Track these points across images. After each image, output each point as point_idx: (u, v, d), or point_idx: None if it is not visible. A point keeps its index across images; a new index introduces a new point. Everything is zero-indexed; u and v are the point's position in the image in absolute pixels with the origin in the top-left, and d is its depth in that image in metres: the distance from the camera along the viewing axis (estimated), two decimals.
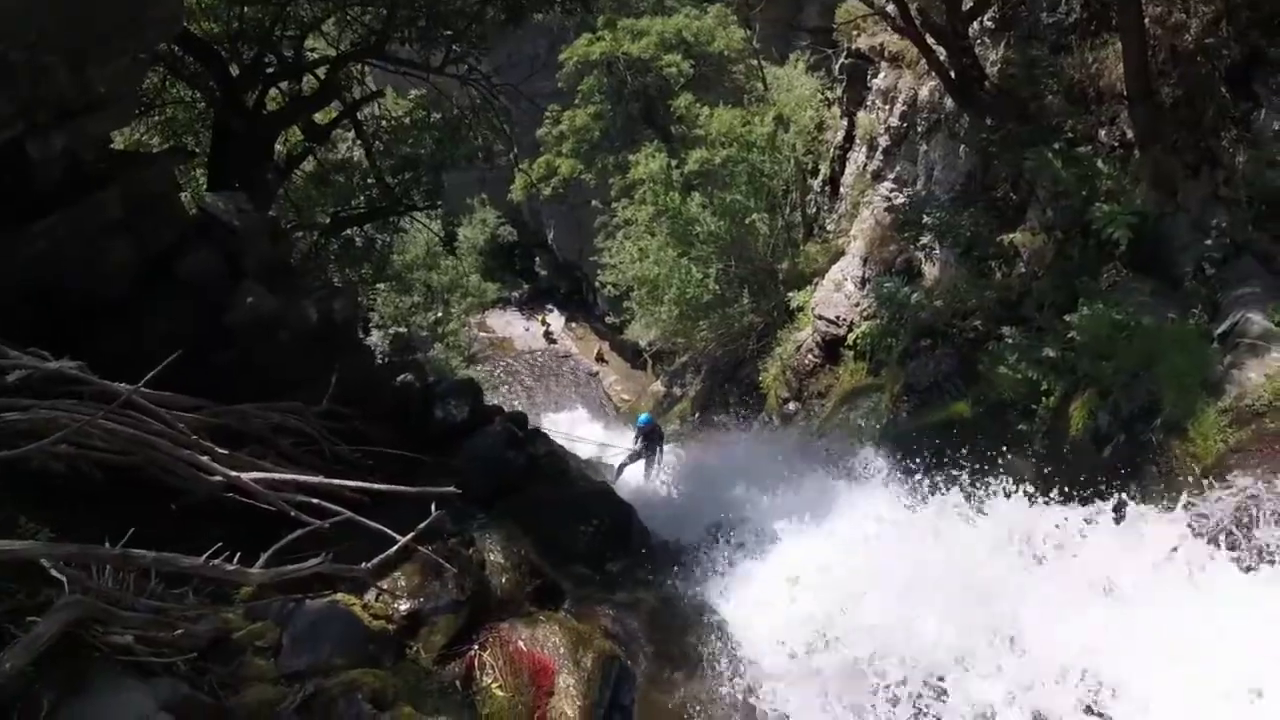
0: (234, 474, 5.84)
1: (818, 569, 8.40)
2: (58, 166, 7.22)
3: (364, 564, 5.85)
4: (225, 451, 6.22)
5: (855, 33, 19.54)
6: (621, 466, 16.46)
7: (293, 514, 5.83)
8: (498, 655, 6.22)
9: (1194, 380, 8.42)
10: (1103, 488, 8.05)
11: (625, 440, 18.42)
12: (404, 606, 6.28)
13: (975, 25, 14.12)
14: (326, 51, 15.14)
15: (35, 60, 6.53)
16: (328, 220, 16.70)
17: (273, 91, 13.92)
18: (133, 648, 4.50)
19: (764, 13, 28.44)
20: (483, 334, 41.53)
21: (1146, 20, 10.55)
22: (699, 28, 30.21)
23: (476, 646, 6.28)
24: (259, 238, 9.11)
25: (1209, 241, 9.88)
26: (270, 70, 13.34)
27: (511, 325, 44.70)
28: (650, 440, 16.42)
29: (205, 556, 4.80)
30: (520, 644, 6.41)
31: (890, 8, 14.20)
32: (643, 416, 17.92)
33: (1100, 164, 11.36)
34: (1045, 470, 9.48)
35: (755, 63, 28.49)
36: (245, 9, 12.33)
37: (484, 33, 14.23)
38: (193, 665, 4.78)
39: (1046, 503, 8.19)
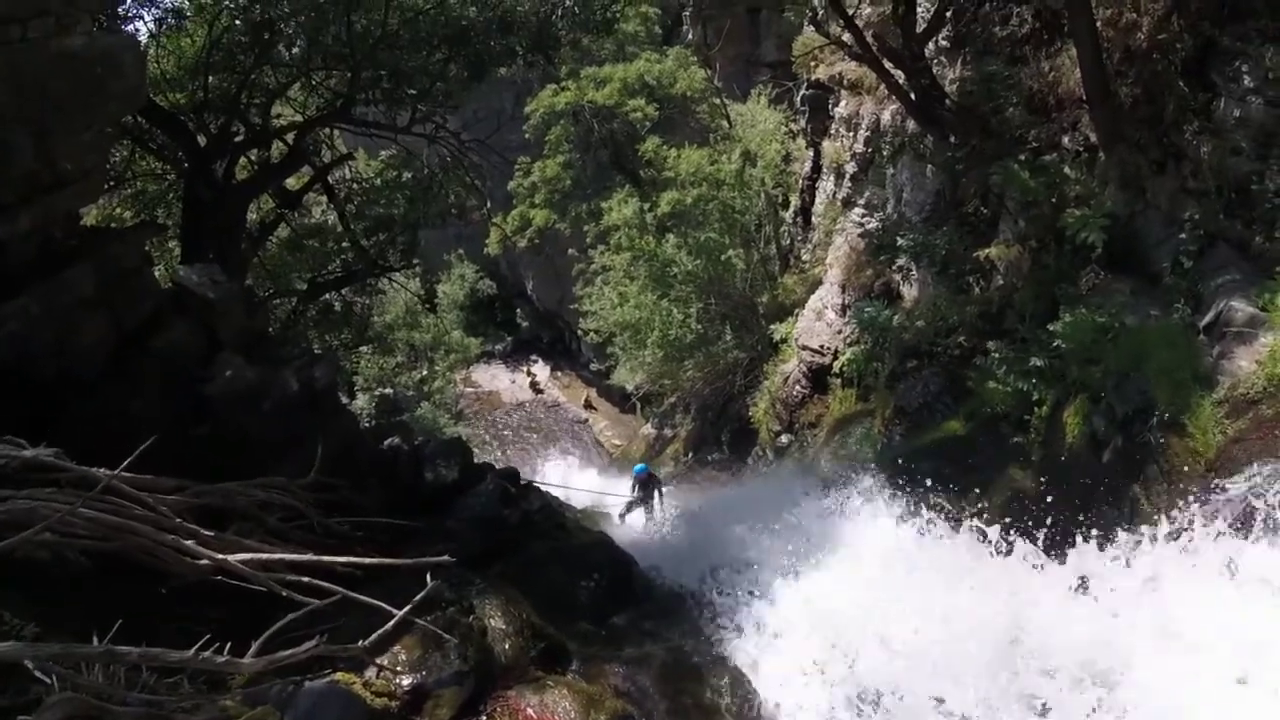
0: (220, 557, 5.67)
1: (828, 609, 8.26)
2: (28, 245, 7.13)
3: (361, 642, 5.66)
4: (211, 533, 6.05)
5: (814, 64, 19.76)
6: (622, 515, 16.25)
7: (284, 594, 5.65)
8: None
9: (1185, 375, 8.40)
10: (1106, 493, 7.96)
11: (620, 487, 18.24)
12: (406, 682, 6.07)
13: (931, 45, 14.27)
14: (294, 117, 15.14)
15: None
16: (304, 286, 16.56)
17: (242, 160, 13.87)
18: None
19: (723, 51, 28.90)
20: (469, 389, 41.40)
21: (1098, 23, 10.67)
22: (660, 71, 30.56)
23: (484, 717, 6.08)
24: (235, 308, 9.01)
25: (1183, 235, 9.91)
26: (238, 138, 13.29)
27: (497, 378, 44.59)
28: (647, 488, 16.31)
29: (195, 648, 4.63)
30: (530, 711, 6.21)
31: (846, 36, 14.35)
32: (638, 467, 17.63)
33: (1067, 170, 11.45)
34: (1044, 479, 9.37)
35: (718, 101, 28.83)
36: (210, 78, 12.30)
37: (449, 90, 14.24)
38: None
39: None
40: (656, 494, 16.28)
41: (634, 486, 16.47)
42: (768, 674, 7.98)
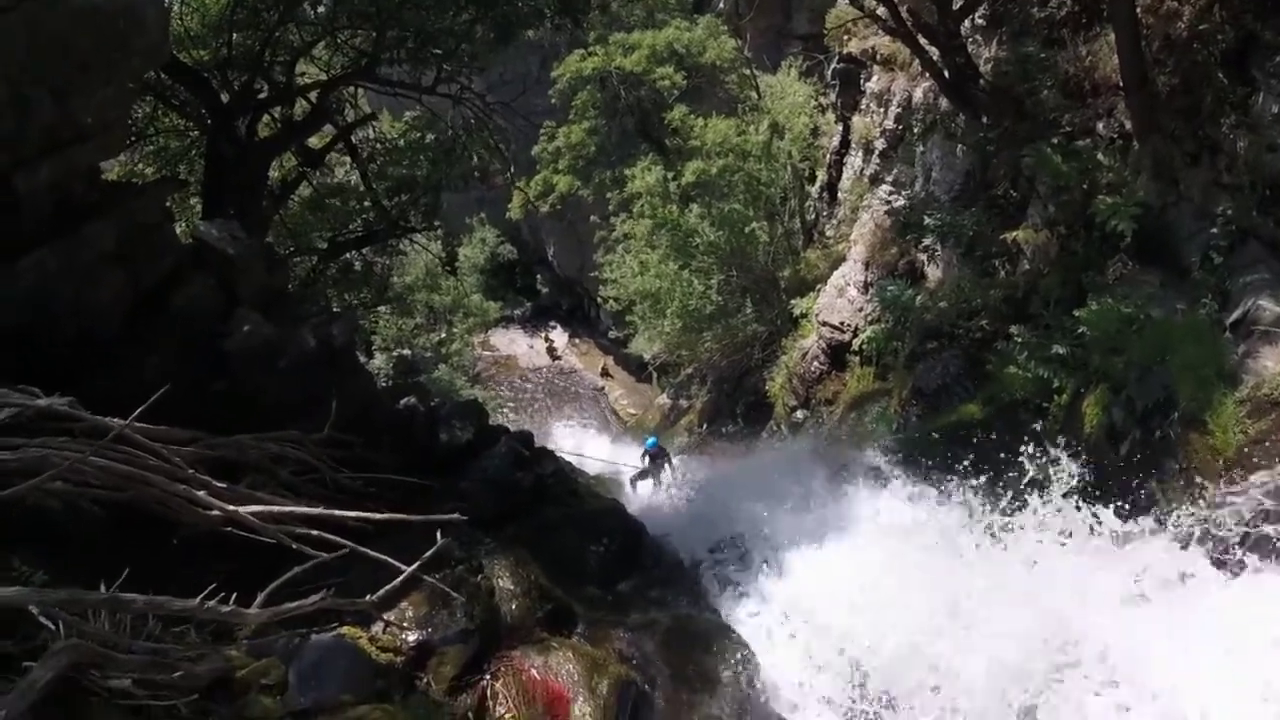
0: (232, 508, 5.70)
1: (834, 585, 8.25)
2: (47, 199, 7.12)
3: (369, 596, 5.70)
4: (223, 485, 6.09)
5: (846, 37, 19.47)
6: (633, 482, 16.61)
7: (294, 547, 5.69)
8: (510, 684, 6.07)
9: (1209, 371, 8.27)
10: (1123, 485, 7.88)
11: (633, 455, 18.40)
12: (412, 638, 6.14)
13: (967, 23, 14.01)
14: (318, 76, 15.07)
15: (17, 94, 6.44)
16: (324, 245, 16.58)
17: (265, 117, 13.82)
18: (132, 691, 4.38)
19: (754, 22, 28.48)
20: (486, 353, 41.50)
21: (1138, 9, 10.43)
22: (690, 39, 30.22)
23: (488, 676, 6.14)
24: (255, 265, 9.01)
25: (1214, 229, 9.71)
26: (262, 96, 13.25)
27: (515, 343, 44.66)
28: (656, 461, 16.74)
29: (201, 597, 4.66)
30: (533, 672, 6.26)
31: (880, 10, 14.12)
32: (649, 440, 18.07)
33: (1100, 157, 11.24)
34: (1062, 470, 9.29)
35: (747, 72, 28.48)
36: (234, 35, 12.24)
37: (475, 52, 14.11)
38: (195, 707, 4.63)
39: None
40: (666, 467, 16.69)
41: (644, 457, 16.86)
42: (772, 647, 7.99)
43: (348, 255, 17.33)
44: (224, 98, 12.44)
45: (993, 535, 8.57)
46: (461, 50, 13.81)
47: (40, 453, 5.08)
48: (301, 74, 14.96)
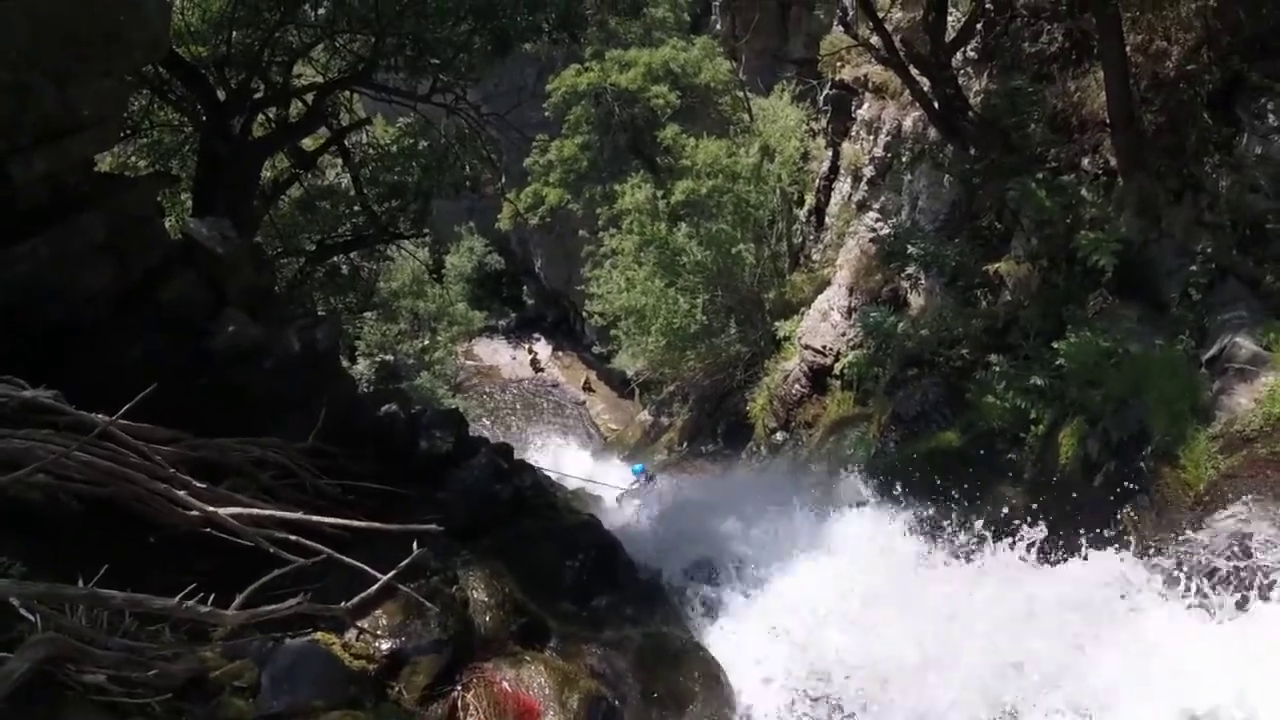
0: (211, 509, 5.71)
1: (811, 607, 8.30)
2: (41, 188, 7.12)
3: (344, 603, 5.70)
4: (204, 485, 6.08)
5: (839, 64, 19.70)
6: (619, 500, 16.75)
7: (272, 551, 5.69)
8: (481, 696, 6.08)
9: (1183, 406, 8.39)
10: (1097, 516, 7.98)
11: (612, 472, 18.58)
12: (385, 646, 6.14)
13: (958, 56, 14.22)
14: (315, 78, 15.11)
15: (18, 81, 6.45)
16: (313, 247, 16.58)
17: (260, 117, 13.85)
18: (106, 687, 4.37)
19: (750, 44, 28.76)
20: (469, 362, 41.40)
21: (1128, 48, 10.63)
22: (686, 59, 30.38)
23: (460, 687, 6.14)
24: (243, 264, 9.00)
25: (1194, 267, 9.88)
26: (258, 95, 13.27)
27: (498, 353, 44.57)
28: (645, 485, 16.99)
29: (179, 597, 4.67)
30: (505, 684, 6.27)
31: (874, 39, 14.30)
32: (636, 467, 18.43)
33: (1084, 192, 11.41)
34: (1036, 500, 9.39)
35: (741, 94, 28.69)
36: (234, 33, 12.28)
37: (471, 62, 14.19)
38: (168, 706, 4.62)
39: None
40: (653, 491, 16.76)
41: (634, 484, 17.05)
42: (745, 668, 8.02)
43: (335, 259, 17.33)
44: (220, 95, 12.44)
45: (967, 559, 8.64)
46: (459, 60, 13.88)
47: (24, 445, 5.08)
48: (298, 75, 14.99)
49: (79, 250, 7.26)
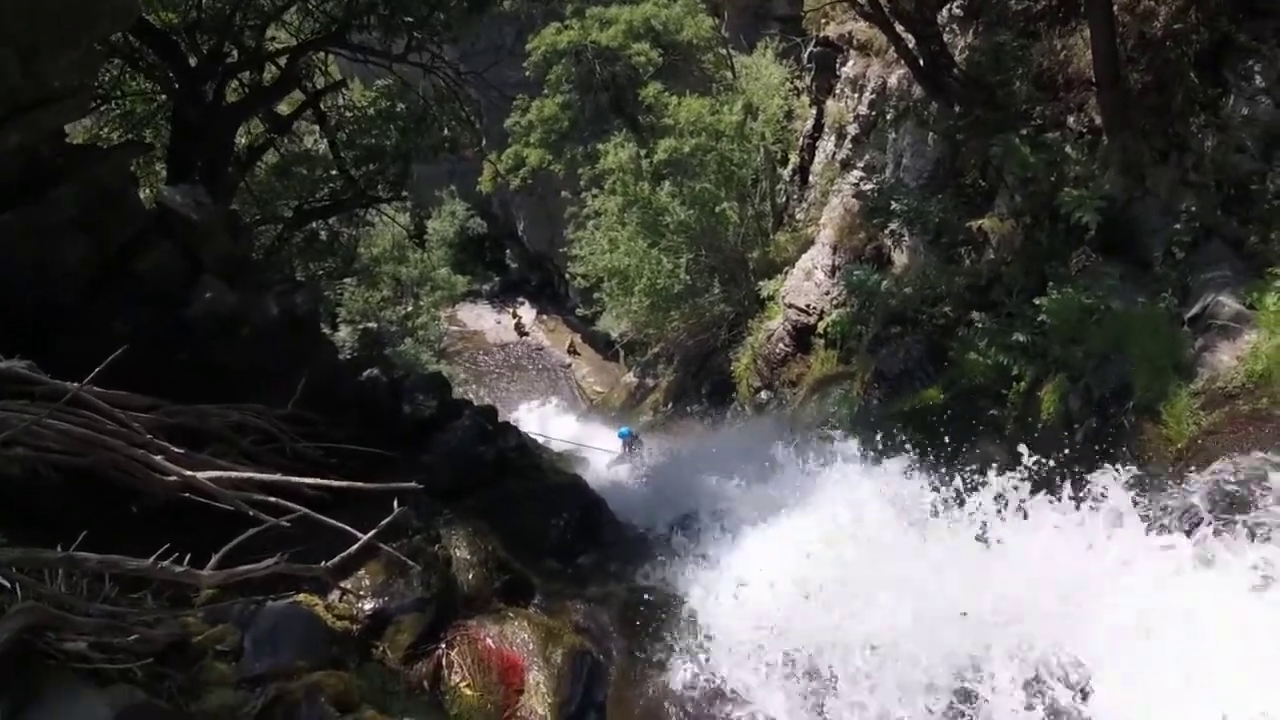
0: (189, 474, 5.66)
1: (792, 561, 8.33)
2: (13, 162, 6.99)
3: (324, 563, 5.69)
4: (181, 451, 6.03)
5: (824, 21, 19.53)
6: (609, 466, 17.22)
7: (251, 513, 5.66)
8: (466, 654, 6.12)
9: (1165, 363, 8.44)
10: (1077, 472, 8.02)
11: (598, 434, 18.80)
12: (368, 606, 6.17)
13: (944, 12, 14.10)
14: (288, 41, 14.83)
15: None
16: (290, 214, 16.37)
17: (233, 82, 13.59)
18: (87, 654, 4.36)
19: (732, 1, 28.41)
20: (453, 328, 41.30)
21: (1115, 7, 10.54)
22: (667, 16, 30.08)
23: (444, 645, 6.18)
24: (219, 232, 8.90)
25: (1178, 225, 9.88)
26: (230, 60, 13.02)
27: (482, 318, 44.50)
28: (632, 448, 17.64)
29: (155, 557, 4.64)
30: (489, 641, 6.31)
31: None
32: (623, 430, 18.87)
33: (1068, 150, 11.38)
34: (1017, 456, 9.44)
35: (724, 51, 28.46)
36: None
37: (448, 21, 13.96)
38: (150, 671, 4.64)
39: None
40: (640, 453, 17.53)
41: (624, 447, 17.68)
42: (728, 621, 8.08)
43: (314, 224, 17.16)
44: (192, 61, 12.20)
45: (948, 514, 8.69)
46: (434, 18, 13.65)
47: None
48: (271, 38, 14.70)
49: (53, 224, 7.16)
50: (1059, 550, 7.24)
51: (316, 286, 12.45)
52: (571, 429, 23.59)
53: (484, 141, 22.77)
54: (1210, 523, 6.76)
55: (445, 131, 16.88)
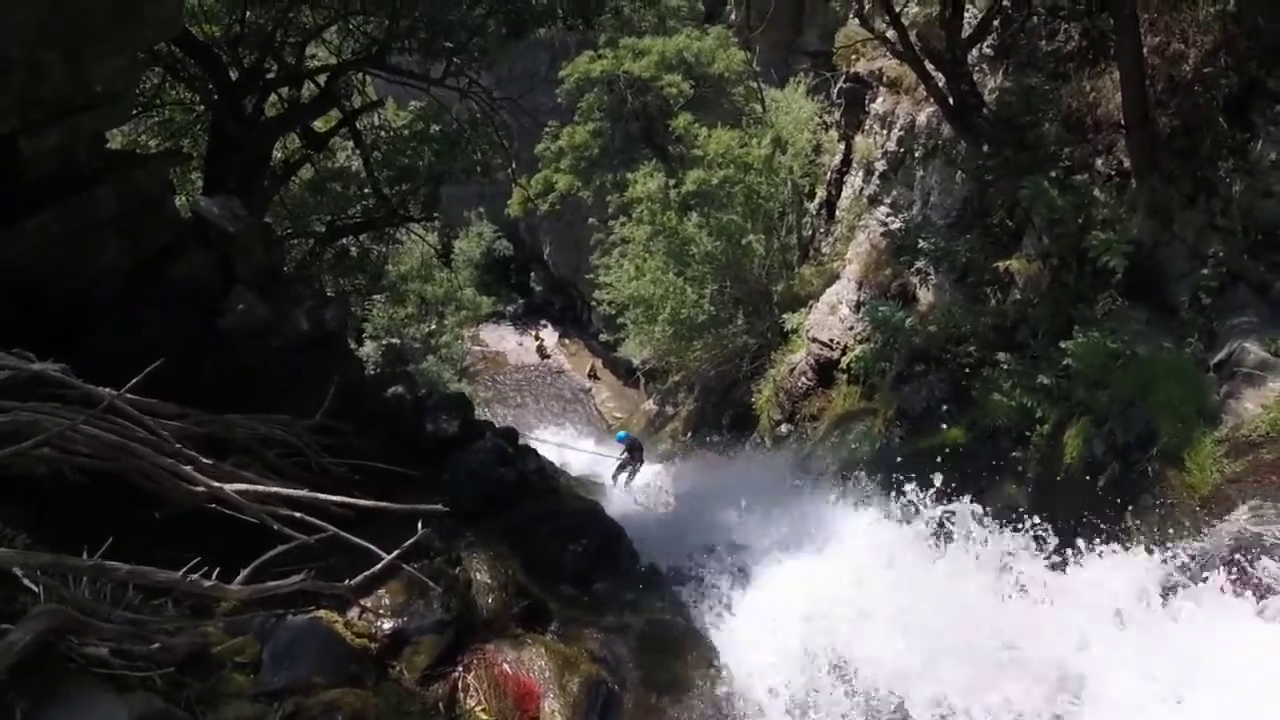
0: (216, 485, 5.72)
1: (810, 596, 8.31)
2: (52, 163, 7.14)
3: (347, 581, 5.72)
4: (209, 461, 6.10)
5: (854, 57, 19.60)
6: (615, 476, 17.73)
7: (276, 528, 5.71)
8: (482, 677, 6.11)
9: (1190, 409, 8.36)
10: (1098, 519, 7.96)
11: (614, 451, 18.87)
12: (387, 625, 6.17)
13: (974, 52, 14.13)
14: (327, 59, 15.09)
15: (32, 56, 6.45)
16: (323, 229, 16.60)
17: (272, 97, 13.85)
18: (108, 660, 4.38)
19: (764, 35, 28.58)
20: (476, 348, 41.47)
21: (1145, 50, 10.55)
22: (700, 49, 30.32)
23: (461, 668, 6.17)
24: (253, 243, 9.03)
25: (1205, 270, 9.83)
26: (270, 76, 13.27)
27: (505, 339, 44.65)
28: (632, 452, 18.06)
29: (183, 571, 4.68)
30: (505, 666, 6.30)
31: (890, 33, 14.21)
32: (620, 434, 19.63)
33: (1096, 192, 11.35)
34: (1040, 499, 9.39)
35: (754, 84, 28.56)
36: (247, 13, 12.26)
37: (485, 46, 14.19)
38: (170, 679, 4.65)
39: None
40: (639, 459, 18.09)
41: (622, 452, 18.17)
42: (744, 654, 8.04)
43: (345, 240, 17.36)
44: (233, 75, 12.45)
45: (970, 556, 8.63)
46: (472, 44, 13.87)
47: (31, 418, 5.09)
48: (311, 56, 14.99)
49: (89, 226, 7.29)
50: None
51: (346, 302, 12.57)
52: (589, 453, 23.58)
53: (514, 165, 22.96)
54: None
55: (477, 154, 17.10)
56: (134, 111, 12.38)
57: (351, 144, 16.91)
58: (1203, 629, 6.38)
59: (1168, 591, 6.92)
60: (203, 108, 13.76)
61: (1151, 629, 6.69)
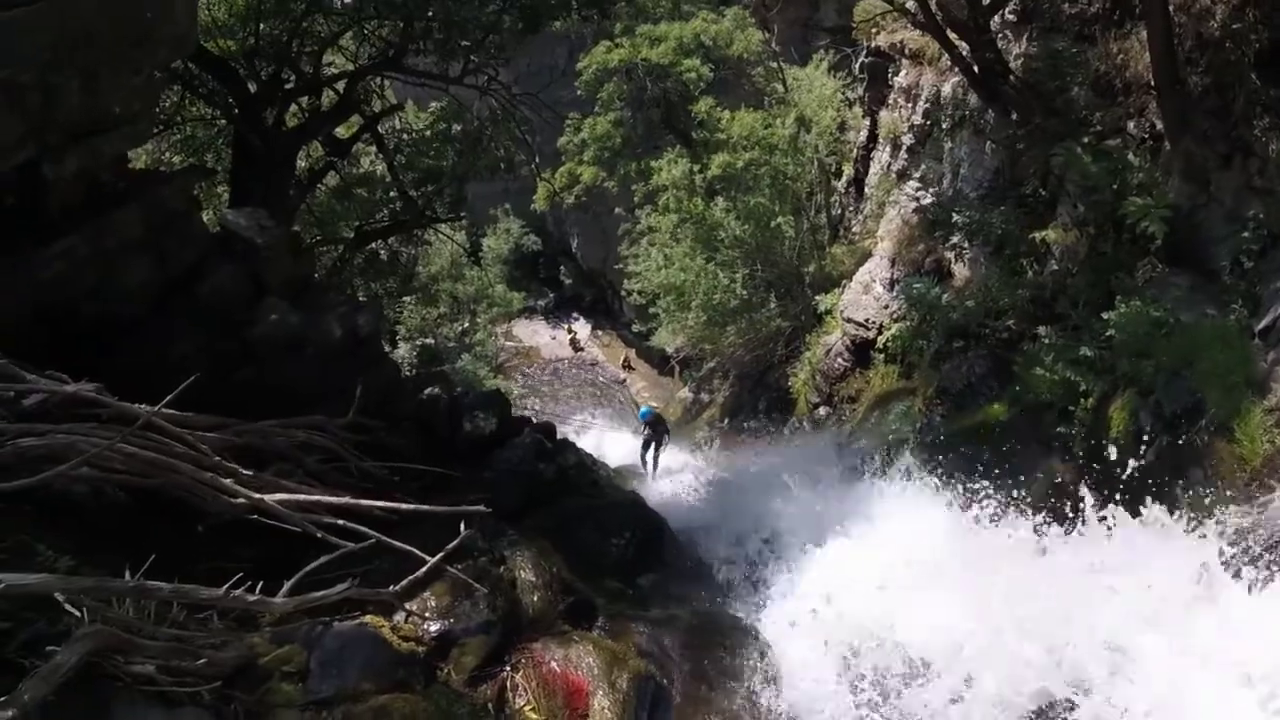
0: (258, 496, 5.76)
1: (857, 583, 8.22)
2: (75, 187, 7.20)
3: (392, 587, 5.73)
4: (249, 473, 6.14)
5: (874, 30, 19.31)
6: (643, 455, 18.00)
7: (319, 536, 5.73)
8: (530, 677, 6.09)
9: (1237, 378, 8.15)
10: (1149, 490, 7.77)
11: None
12: (434, 628, 6.16)
13: (997, 19, 13.86)
14: (345, 66, 15.14)
15: (45, 81, 6.49)
16: (351, 234, 16.71)
17: (292, 107, 13.92)
18: (155, 677, 4.41)
19: (781, 14, 28.31)
20: (509, 344, 41.70)
21: (1171, 7, 10.27)
22: (717, 31, 30.05)
23: (509, 668, 6.15)
24: (281, 254, 9.07)
25: (1245, 233, 9.57)
26: (289, 86, 13.33)
27: (538, 334, 44.84)
28: (655, 427, 18.08)
29: (227, 586, 4.70)
30: (553, 665, 6.27)
31: (910, 4, 14.00)
32: (643, 410, 19.54)
33: (1130, 157, 11.10)
34: (1086, 475, 9.20)
35: (774, 64, 28.28)
36: (261, 25, 12.32)
37: (502, 43, 14.14)
38: (218, 693, 4.67)
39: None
40: (664, 435, 18.24)
41: (644, 427, 18.38)
42: (793, 644, 7.98)
43: (374, 245, 17.46)
44: (251, 87, 12.53)
45: (1013, 534, 8.49)
46: (488, 41, 13.84)
47: (68, 439, 5.14)
48: (329, 64, 15.03)
49: (116, 247, 7.36)
50: None
51: (378, 306, 12.63)
52: (626, 443, 23.57)
53: (538, 160, 22.96)
54: None
55: (500, 151, 17.11)
56: (155, 130, 12.50)
57: (375, 148, 16.97)
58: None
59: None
60: (224, 122, 13.86)
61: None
